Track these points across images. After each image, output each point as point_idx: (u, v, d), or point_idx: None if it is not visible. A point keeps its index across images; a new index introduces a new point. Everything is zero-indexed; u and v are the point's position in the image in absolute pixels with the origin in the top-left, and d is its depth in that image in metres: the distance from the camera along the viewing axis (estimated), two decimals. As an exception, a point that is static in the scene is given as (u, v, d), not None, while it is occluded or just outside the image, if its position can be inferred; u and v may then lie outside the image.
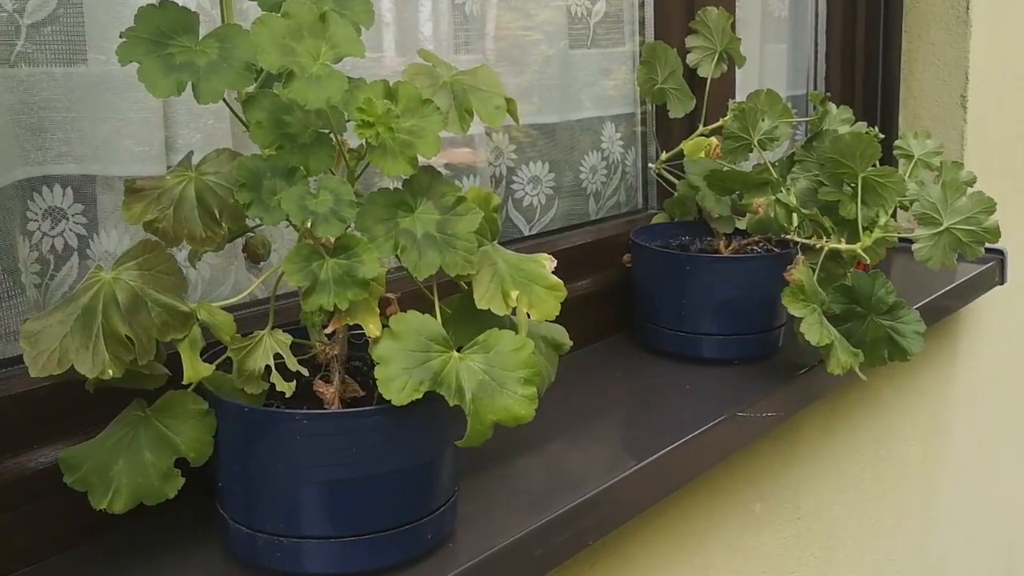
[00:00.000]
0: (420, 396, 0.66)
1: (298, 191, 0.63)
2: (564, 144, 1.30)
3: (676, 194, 1.32)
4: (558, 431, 1.00)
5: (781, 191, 1.18)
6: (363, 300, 0.65)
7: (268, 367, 0.68)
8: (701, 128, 1.33)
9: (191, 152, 0.71)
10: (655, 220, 1.35)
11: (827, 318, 1.16)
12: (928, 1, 1.79)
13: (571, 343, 0.87)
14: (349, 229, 0.67)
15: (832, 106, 1.35)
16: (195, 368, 0.64)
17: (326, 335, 0.73)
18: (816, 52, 1.82)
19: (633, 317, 1.26)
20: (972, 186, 1.29)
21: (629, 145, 1.40)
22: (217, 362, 0.69)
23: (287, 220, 0.62)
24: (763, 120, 1.22)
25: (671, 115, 1.30)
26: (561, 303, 0.77)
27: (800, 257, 1.16)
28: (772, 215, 1.14)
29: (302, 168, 0.65)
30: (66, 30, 0.81)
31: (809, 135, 1.32)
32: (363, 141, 0.65)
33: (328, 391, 0.72)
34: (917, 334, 1.17)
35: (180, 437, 0.66)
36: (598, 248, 1.30)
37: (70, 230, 0.83)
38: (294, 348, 0.73)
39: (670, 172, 1.34)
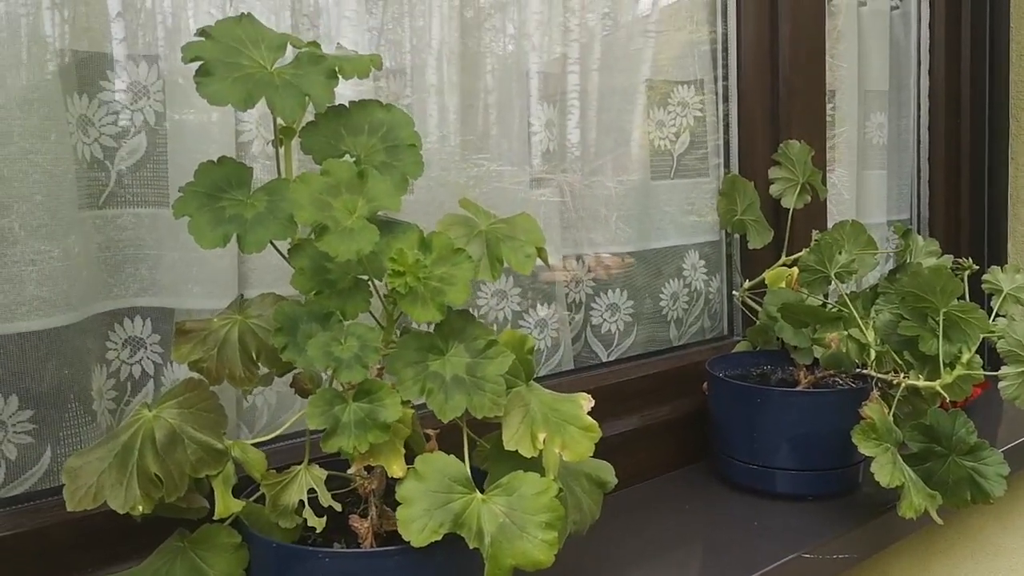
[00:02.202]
0: (439, 538, 0.67)
1: (325, 337, 0.67)
2: (644, 271, 1.32)
3: (758, 323, 1.32)
4: (613, 566, 1.00)
5: (856, 326, 1.16)
6: (386, 442, 0.68)
7: (302, 501, 0.71)
8: (783, 258, 1.33)
9: (241, 295, 0.77)
10: (737, 348, 1.34)
11: (904, 457, 1.12)
12: (1035, 126, 1.75)
13: (616, 481, 0.87)
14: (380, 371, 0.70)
15: (918, 238, 1.33)
16: (226, 504, 0.68)
17: (364, 468, 0.75)
18: (919, 178, 1.80)
19: (710, 447, 1.25)
20: (1065, 322, 1.24)
21: (713, 273, 1.41)
22: (256, 496, 0.73)
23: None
24: (840, 253, 1.21)
25: (750, 246, 1.31)
26: (597, 443, 0.78)
27: (874, 393, 1.13)
28: (844, 350, 1.13)
29: (338, 313, 0.69)
30: (152, 175, 0.89)
31: (893, 267, 1.30)
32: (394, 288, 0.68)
33: (363, 526, 0.74)
34: (1000, 476, 1.12)
35: (213, 569, 0.70)
36: (678, 375, 1.30)
37: (147, 358, 0.89)
38: (337, 481, 0.76)
39: (754, 300, 1.34)
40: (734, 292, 1.39)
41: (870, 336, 1.20)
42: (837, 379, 1.22)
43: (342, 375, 0.66)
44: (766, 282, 1.32)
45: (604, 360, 1.28)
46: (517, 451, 0.74)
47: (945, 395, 1.15)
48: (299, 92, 0.70)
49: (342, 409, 0.67)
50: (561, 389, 1.19)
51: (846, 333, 1.13)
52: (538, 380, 1.19)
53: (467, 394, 0.71)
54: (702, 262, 1.39)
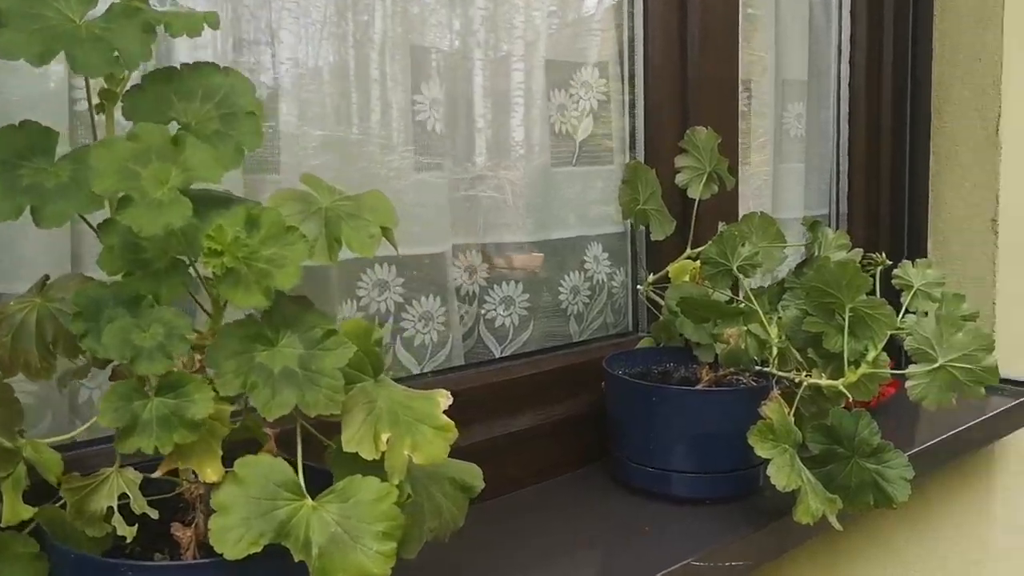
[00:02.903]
0: (258, 549, 0.60)
1: (125, 323, 0.59)
2: (542, 263, 1.25)
3: (661, 318, 1.26)
4: (492, 570, 0.93)
5: (757, 321, 1.11)
6: (197, 442, 0.60)
7: (111, 508, 0.64)
8: (688, 251, 1.28)
9: (46, 276, 0.68)
10: (640, 345, 1.28)
11: (805, 460, 1.07)
12: (956, 121, 1.72)
13: (483, 485, 0.80)
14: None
15: (828, 231, 1.29)
16: (15, 510, 0.60)
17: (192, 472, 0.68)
18: (838, 171, 1.76)
19: (608, 448, 1.19)
20: (974, 321, 1.20)
21: (617, 266, 1.35)
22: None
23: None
24: (743, 245, 1.16)
25: (652, 237, 1.25)
26: (451, 444, 0.71)
27: (774, 392, 1.08)
28: (743, 346, 1.07)
29: (150, 297, 0.61)
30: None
31: (800, 261, 1.25)
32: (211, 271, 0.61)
33: (185, 535, 0.67)
34: (904, 480, 1.08)
35: (3, 582, 0.62)
36: (576, 372, 1.23)
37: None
38: (163, 484, 0.69)
39: (658, 294, 1.28)
40: (639, 286, 1.33)
41: (773, 332, 1.15)
42: (740, 377, 1.17)
43: (140, 366, 0.58)
44: (670, 276, 1.26)
45: (498, 356, 1.21)
46: (358, 454, 0.67)
47: (848, 395, 1.10)
48: (107, 47, 0.62)
49: (142, 405, 0.59)
50: (448, 385, 1.11)
51: (745, 329, 1.07)
52: (422, 376, 1.13)
53: (298, 389, 0.64)
54: (606, 254, 1.33)
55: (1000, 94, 1.65)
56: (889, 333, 1.16)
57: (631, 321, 1.37)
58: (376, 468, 0.66)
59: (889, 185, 1.78)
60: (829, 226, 1.79)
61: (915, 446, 1.40)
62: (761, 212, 1.28)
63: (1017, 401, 1.62)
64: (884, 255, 1.34)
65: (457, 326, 1.16)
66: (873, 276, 1.32)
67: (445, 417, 0.71)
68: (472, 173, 1.16)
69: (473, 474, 0.81)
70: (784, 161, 1.66)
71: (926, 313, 1.20)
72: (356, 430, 0.67)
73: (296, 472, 0.65)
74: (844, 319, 1.13)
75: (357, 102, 1.04)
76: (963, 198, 1.72)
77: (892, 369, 1.41)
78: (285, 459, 0.65)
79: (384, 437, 0.67)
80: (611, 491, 1.14)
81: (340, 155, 1.02)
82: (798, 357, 1.08)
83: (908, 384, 1.13)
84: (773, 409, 1.04)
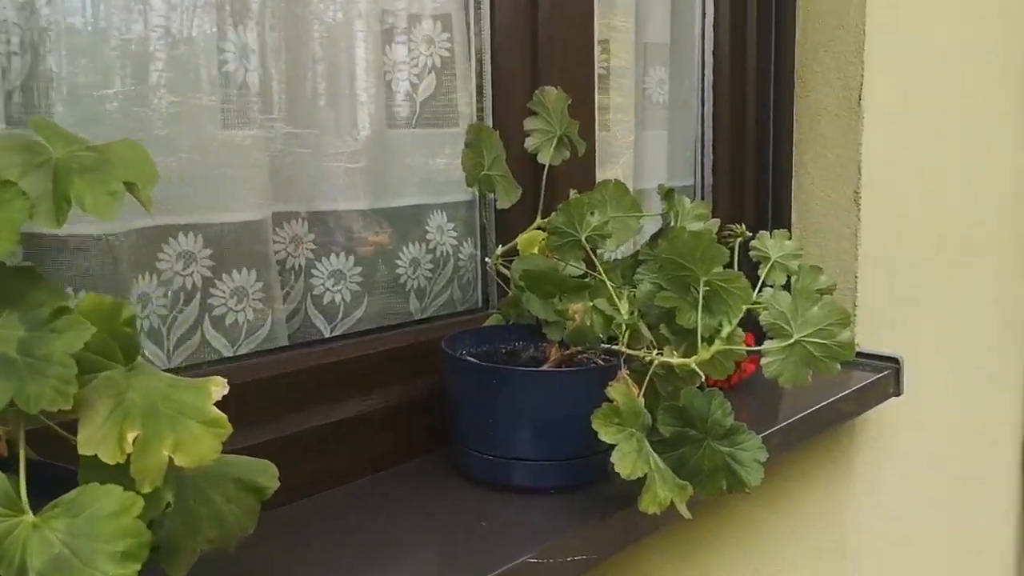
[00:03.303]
0: (-46, 580, 0.48)
1: None
2: (382, 231, 1.15)
3: (510, 293, 1.17)
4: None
5: (605, 296, 1.03)
6: None
7: None
8: (538, 220, 1.19)
9: None
10: (489, 322, 1.19)
11: (656, 444, 1.00)
12: (819, 89, 1.68)
13: (277, 484, 0.70)
14: None
15: (685, 200, 1.21)
16: None
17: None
18: (703, 140, 1.70)
19: (449, 434, 1.09)
20: (831, 293, 1.15)
21: (465, 237, 1.25)
22: None
23: None
24: (592, 214, 1.08)
25: (498, 205, 1.15)
26: (223, 440, 0.60)
27: (622, 372, 1.00)
28: (589, 323, 0.99)
29: None
30: None
31: (655, 232, 1.18)
32: None
33: None
34: (757, 463, 1.01)
35: None
36: (416, 352, 1.14)
37: None
38: None
39: (507, 268, 1.19)
40: (487, 259, 1.23)
41: (623, 307, 1.07)
42: (591, 357, 1.09)
43: None
44: (518, 248, 1.17)
45: (327, 336, 1.10)
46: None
47: (701, 373, 1.03)
48: None
49: None
50: (266, 369, 1.01)
51: (591, 304, 0.99)
52: (236, 360, 1.02)
53: (18, 379, 0.52)
54: (451, 224, 1.23)
55: (863, 63, 1.61)
56: (745, 308, 1.09)
57: (480, 297, 1.28)
58: (115, 475, 0.55)
59: (754, 155, 1.73)
60: (694, 197, 1.73)
61: (777, 423, 1.35)
62: (615, 180, 1.20)
63: (878, 375, 1.59)
64: (744, 226, 1.28)
65: (280, 303, 1.05)
66: (732, 248, 1.26)
67: (216, 410, 0.60)
68: (295, 133, 1.05)
69: (265, 473, 0.70)
70: (647, 128, 1.59)
71: (783, 286, 1.15)
72: (96, 429, 0.55)
73: (19, 481, 0.53)
74: (698, 293, 1.07)
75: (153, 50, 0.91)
76: (826, 169, 1.68)
77: (751, 346, 1.37)
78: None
79: (131, 436, 0.55)
80: (451, 482, 1.04)
81: (125, 109, 0.89)
82: (648, 334, 1.00)
83: (763, 361, 1.07)
84: (619, 391, 0.96)
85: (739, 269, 1.18)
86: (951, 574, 2.16)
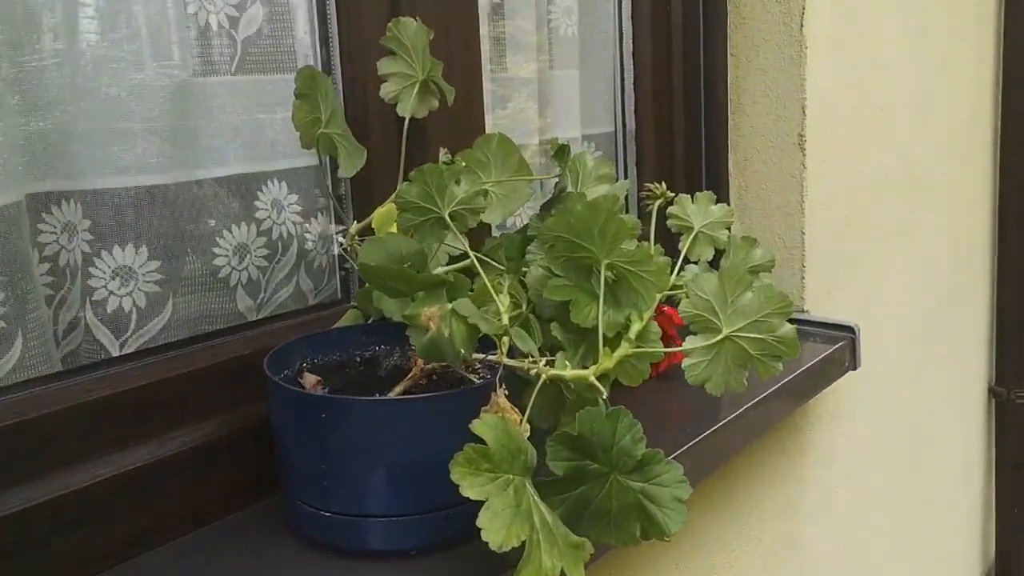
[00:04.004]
0: None
1: None
2: (183, 213, 0.89)
3: (367, 284, 0.92)
4: None
5: (477, 293, 0.78)
6: None
7: None
8: (398, 190, 0.93)
9: None
10: (343, 321, 0.94)
11: (547, 485, 0.76)
12: (756, 16, 1.43)
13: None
14: None
15: (587, 158, 0.97)
16: None
17: None
18: (623, 80, 1.44)
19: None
20: (769, 270, 0.91)
21: (313, 212, 0.99)
22: None
23: None
24: (457, 182, 0.82)
25: (340, 172, 0.89)
26: None
27: (496, 396, 0.76)
28: (447, 333, 0.74)
29: None
30: None
31: (546, 200, 0.93)
32: None
33: None
34: (677, 502, 0.78)
35: None
36: (245, 367, 0.88)
37: None
38: None
39: (368, 250, 0.93)
40: (340, 240, 0.98)
41: (503, 303, 0.82)
42: (464, 371, 0.84)
43: None
44: (373, 226, 0.92)
45: (116, 354, 0.84)
46: None
47: (601, 388, 0.79)
48: None
49: None
50: (11, 409, 0.75)
51: (449, 307, 0.74)
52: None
53: None
54: (293, 197, 0.97)
55: (805, -18, 1.36)
56: (660, 296, 0.85)
57: (339, 287, 1.03)
58: None
59: (683, 96, 1.48)
60: (615, 147, 1.49)
61: (718, 420, 1.12)
62: (498, 134, 0.95)
63: (833, 348, 1.37)
64: (664, 186, 1.03)
65: (44, 312, 0.79)
66: (651, 214, 1.02)
67: None
68: (61, 86, 0.78)
69: None
70: (554, 67, 1.33)
71: (711, 263, 0.91)
72: None
73: None
74: (599, 281, 0.82)
75: None
76: (767, 110, 1.44)
77: (675, 336, 1.13)
78: None
79: None
80: (280, 545, 0.80)
81: None
82: (510, 343, 0.76)
83: (685, 363, 0.84)
84: (490, 424, 0.72)
85: (661, 243, 0.94)
86: (915, 555, 1.98)
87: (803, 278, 1.44)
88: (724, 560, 1.29)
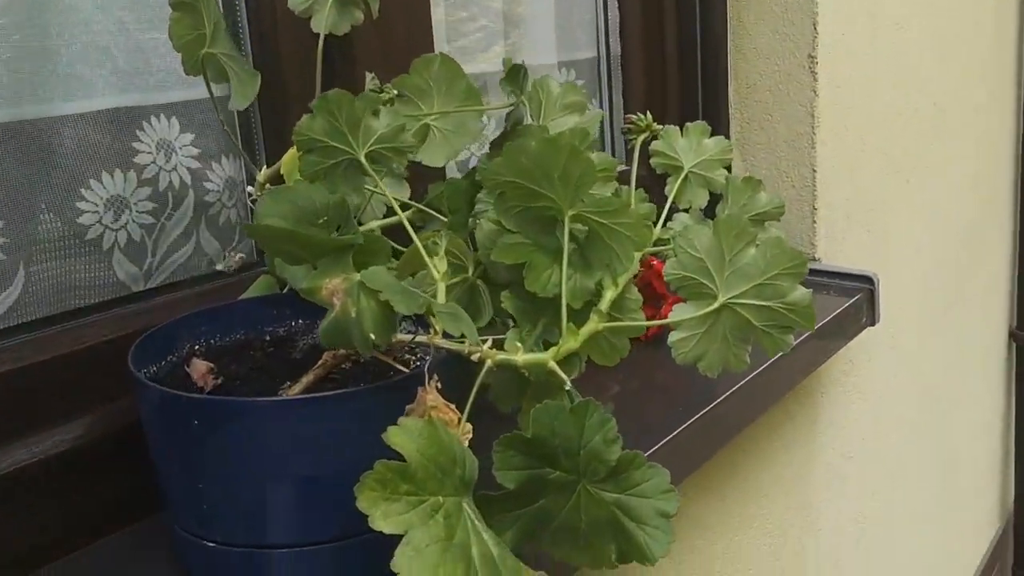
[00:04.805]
0: None
1: None
2: (39, 161, 0.70)
3: (282, 244, 0.74)
4: None
5: (385, 261, 0.60)
6: None
7: None
8: (298, 125, 0.75)
9: None
10: (251, 291, 0.77)
11: (497, 503, 0.59)
12: (758, -83, 1.23)
13: None
14: None
15: (551, 82, 0.78)
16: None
17: None
18: (605, -4, 1.25)
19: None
20: (777, 218, 0.73)
21: (214, 154, 0.81)
22: None
23: None
24: (374, 116, 0.64)
25: (232, 104, 0.71)
26: None
27: (426, 389, 0.58)
28: (354, 313, 0.56)
29: None
30: None
31: (497, 136, 0.75)
32: None
33: None
34: (662, 517, 0.61)
35: None
36: (113, 356, 0.70)
37: None
38: None
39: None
40: (249, 188, 0.80)
41: (436, 270, 0.64)
42: (389, 360, 0.67)
43: None
44: (282, 172, 0.74)
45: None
46: None
47: (563, 376, 0.61)
48: None
49: None
50: None
51: (356, 279, 0.56)
52: None
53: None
54: (188, 136, 0.79)
55: None
56: (641, 255, 0.68)
57: (256, 248, 0.85)
58: None
59: (676, 14, 1.28)
60: (598, 73, 1.30)
61: (717, 395, 0.95)
62: (441, 55, 0.76)
63: (850, 301, 1.19)
64: (650, 116, 0.84)
65: None
66: (633, 151, 0.84)
67: None
68: None
69: None
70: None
71: (704, 212, 0.73)
72: None
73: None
74: (563, 236, 0.65)
75: None
76: (773, 28, 1.24)
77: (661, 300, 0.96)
78: None
79: None
80: (163, 573, 0.63)
81: None
82: (438, 323, 0.58)
83: (672, 339, 0.67)
84: (410, 432, 0.54)
85: (646, 188, 0.76)
86: (934, 512, 1.83)
87: (814, 222, 1.26)
88: (725, 548, 1.13)
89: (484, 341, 0.61)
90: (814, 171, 1.25)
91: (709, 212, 0.75)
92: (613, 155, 1.29)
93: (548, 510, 0.62)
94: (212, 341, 0.71)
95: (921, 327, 1.62)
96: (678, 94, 1.28)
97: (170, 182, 0.77)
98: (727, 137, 1.29)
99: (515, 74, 0.71)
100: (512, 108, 0.71)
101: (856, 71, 1.30)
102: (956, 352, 1.83)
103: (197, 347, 0.71)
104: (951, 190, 1.68)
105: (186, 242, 0.79)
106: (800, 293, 0.65)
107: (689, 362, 0.67)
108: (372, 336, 0.55)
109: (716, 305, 0.65)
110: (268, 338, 0.73)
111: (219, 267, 0.83)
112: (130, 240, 0.75)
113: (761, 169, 1.28)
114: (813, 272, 1.26)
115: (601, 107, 1.28)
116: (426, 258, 0.64)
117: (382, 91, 0.74)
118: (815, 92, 1.22)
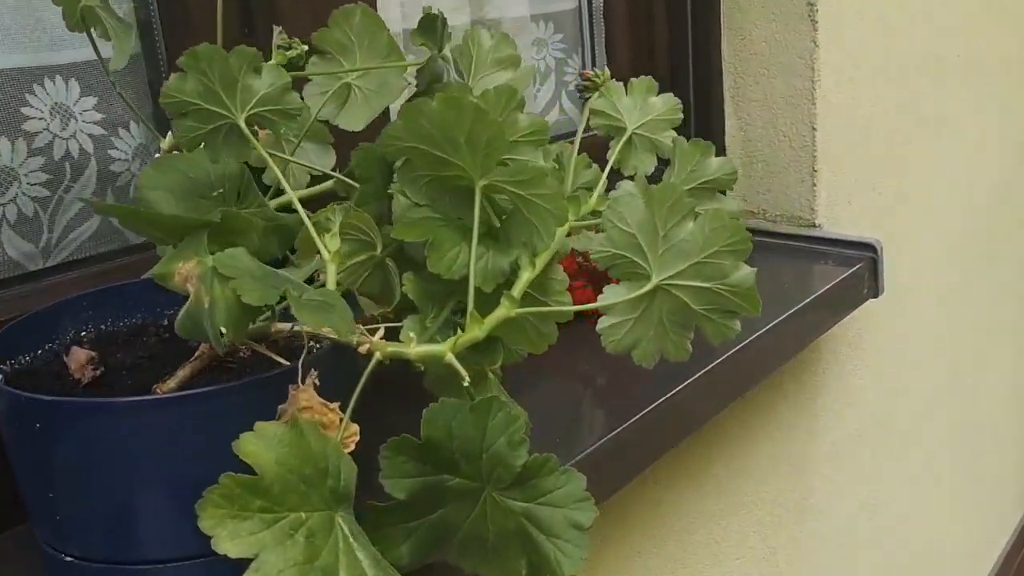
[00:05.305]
0: None
1: None
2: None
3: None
4: None
5: (248, 241, 0.52)
6: None
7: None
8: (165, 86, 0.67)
9: None
10: (156, 270, 0.70)
11: (381, 515, 0.52)
12: None
13: None
14: None
15: (482, 34, 0.70)
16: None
17: None
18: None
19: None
20: (731, 188, 0.65)
21: (124, 124, 0.74)
22: None
23: None
24: (255, 74, 0.56)
25: (112, 65, 0.63)
26: None
27: (298, 391, 0.51)
28: (205, 303, 0.49)
29: None
30: None
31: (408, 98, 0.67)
32: None
33: None
34: (575, 530, 0.54)
35: None
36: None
37: None
38: None
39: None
40: (157, 155, 0.73)
41: (326, 250, 0.57)
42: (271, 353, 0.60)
43: None
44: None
45: None
46: None
47: (463, 373, 0.54)
48: None
49: None
50: None
51: (209, 264, 0.49)
52: None
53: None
54: (90, 101, 0.72)
55: None
56: (561, 231, 0.60)
57: (173, 217, 0.78)
58: None
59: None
60: (584, 29, 1.20)
61: (700, 367, 0.87)
62: (362, 7, 0.68)
63: (850, 271, 1.10)
64: (608, 72, 0.76)
65: None
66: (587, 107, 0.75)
67: None
68: None
69: None
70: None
71: (651, 179, 0.65)
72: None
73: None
74: (473, 210, 0.57)
75: None
76: (768, -28, 1.14)
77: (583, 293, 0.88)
78: None
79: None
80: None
81: None
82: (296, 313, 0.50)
83: (601, 325, 0.59)
84: (267, 439, 0.47)
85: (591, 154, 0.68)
86: (956, 493, 1.73)
87: (814, 185, 1.17)
88: (706, 536, 1.06)
89: (375, 330, 0.54)
90: (814, 129, 1.15)
91: (657, 179, 0.66)
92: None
93: (450, 520, 0.55)
94: (103, 326, 0.65)
95: (940, 296, 1.52)
96: (666, 47, 1.19)
97: (67, 151, 0.71)
98: (720, 91, 1.20)
99: (429, 25, 0.63)
100: (423, 64, 0.63)
101: (864, 20, 1.20)
102: (982, 322, 1.72)
103: (85, 333, 0.64)
104: (976, 148, 1.57)
105: (90, 215, 0.73)
106: (743, 273, 0.56)
107: (621, 351, 0.59)
108: (222, 330, 0.48)
109: (649, 287, 0.57)
110: (166, 323, 0.66)
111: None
112: (20, 215, 0.69)
113: (757, 127, 1.18)
114: (811, 240, 1.17)
115: (583, 64, 1.19)
116: (314, 236, 0.57)
117: (290, 47, 0.67)
118: (815, 43, 1.12)
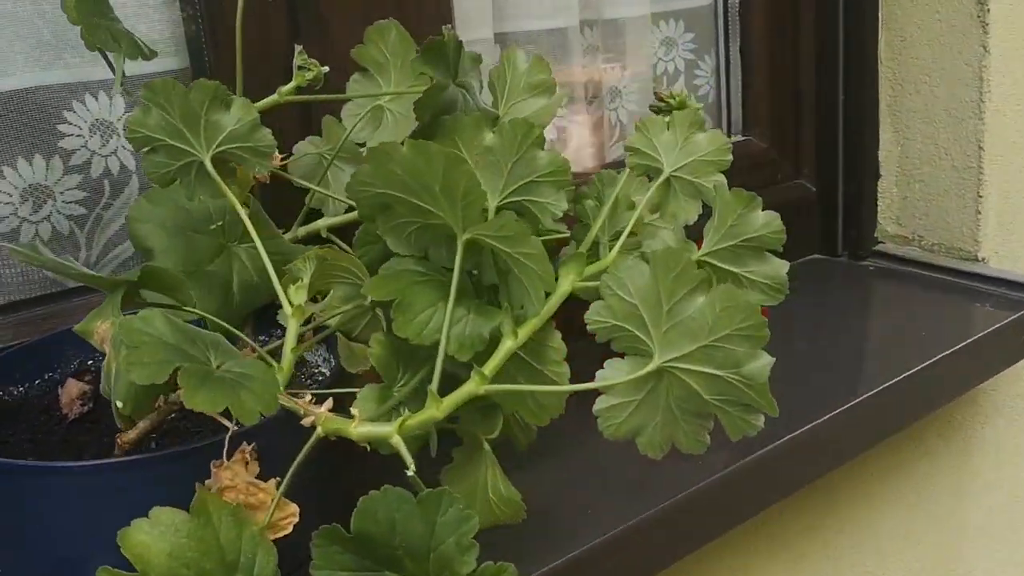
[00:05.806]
0: None
1: None
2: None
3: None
4: None
5: (187, 297, 0.48)
6: None
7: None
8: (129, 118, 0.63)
9: None
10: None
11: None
12: None
13: None
14: None
15: (519, 58, 0.62)
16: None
17: None
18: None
19: None
20: (778, 248, 0.55)
21: (107, 134, 0.71)
22: None
23: None
24: (223, 109, 0.51)
25: (116, 87, 0.60)
26: None
27: (219, 468, 0.46)
28: (112, 368, 0.44)
29: None
30: None
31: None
32: None
33: None
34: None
35: None
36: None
37: None
38: None
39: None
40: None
41: (288, 303, 0.51)
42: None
43: None
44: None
45: None
46: None
47: (407, 457, 0.47)
48: None
49: None
50: None
51: (118, 321, 0.44)
52: None
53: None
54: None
55: None
56: (556, 297, 0.51)
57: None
58: None
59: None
60: (718, 28, 1.09)
61: (820, 415, 0.77)
62: (395, 24, 0.63)
63: (1015, 316, 0.94)
64: (685, 93, 0.66)
65: None
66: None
67: None
68: None
69: None
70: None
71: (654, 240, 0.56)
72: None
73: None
74: (453, 267, 0.50)
75: None
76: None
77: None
78: None
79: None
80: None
81: None
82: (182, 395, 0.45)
83: (598, 407, 0.50)
84: (161, 526, 0.43)
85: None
86: None
87: (979, 212, 1.01)
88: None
89: (323, 400, 0.49)
90: (980, 148, 0.99)
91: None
92: (726, 127, 1.09)
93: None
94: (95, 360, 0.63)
95: None
96: (811, 51, 1.05)
97: (106, 168, 0.69)
98: (875, 100, 1.06)
99: (437, 51, 0.56)
100: (421, 95, 0.55)
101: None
102: None
103: (92, 362, 0.62)
104: None
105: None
106: (758, 365, 0.47)
107: (621, 437, 0.51)
108: (119, 404, 0.43)
109: (652, 367, 0.48)
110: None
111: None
112: (54, 233, 0.68)
113: (915, 143, 1.03)
114: (972, 276, 1.01)
115: (717, 66, 1.08)
116: (277, 288, 0.51)
117: (309, 68, 0.62)
118: (985, 49, 0.96)
